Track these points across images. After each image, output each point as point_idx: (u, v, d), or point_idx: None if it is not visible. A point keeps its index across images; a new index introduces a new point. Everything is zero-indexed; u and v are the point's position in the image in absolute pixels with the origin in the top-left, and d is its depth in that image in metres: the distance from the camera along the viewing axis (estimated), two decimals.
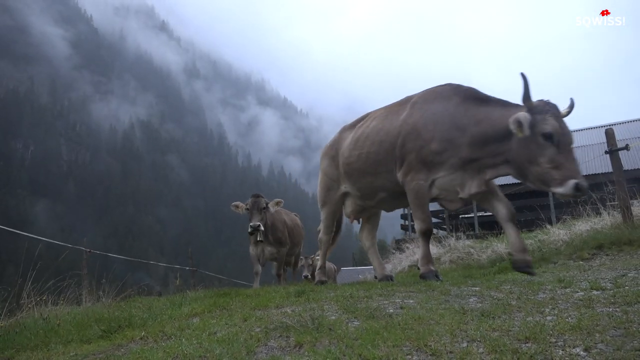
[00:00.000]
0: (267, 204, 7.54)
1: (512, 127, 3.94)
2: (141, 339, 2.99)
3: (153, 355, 2.49)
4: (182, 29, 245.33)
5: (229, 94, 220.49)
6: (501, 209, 4.58)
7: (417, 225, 4.80)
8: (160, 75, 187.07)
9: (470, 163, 4.42)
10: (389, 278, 5.50)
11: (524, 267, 4.26)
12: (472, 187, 4.47)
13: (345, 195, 5.73)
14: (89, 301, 5.98)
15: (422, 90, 5.07)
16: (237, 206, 7.62)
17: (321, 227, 6.11)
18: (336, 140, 5.88)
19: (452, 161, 4.45)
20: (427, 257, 4.78)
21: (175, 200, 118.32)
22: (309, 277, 9.74)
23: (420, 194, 4.61)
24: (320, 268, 6.12)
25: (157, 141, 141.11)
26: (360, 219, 6.06)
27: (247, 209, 7.45)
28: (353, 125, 5.73)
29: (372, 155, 5.02)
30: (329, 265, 11.27)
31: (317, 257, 12.43)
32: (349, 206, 5.81)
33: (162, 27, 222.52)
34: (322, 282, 5.84)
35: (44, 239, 7.41)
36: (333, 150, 5.84)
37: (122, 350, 2.79)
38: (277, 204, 7.69)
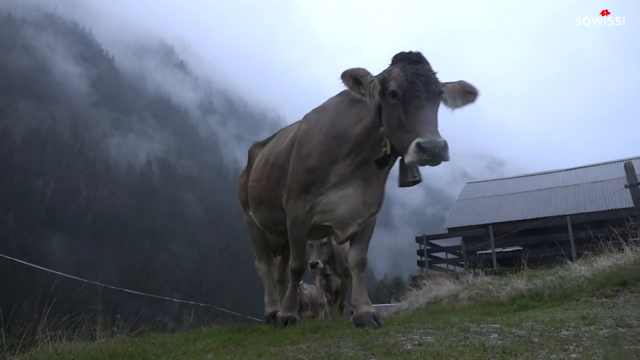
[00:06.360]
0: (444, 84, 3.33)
1: None
2: None
3: None
4: (200, 67, 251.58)
5: (243, 130, 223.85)
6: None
7: None
8: (178, 112, 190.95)
9: None
10: None
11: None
12: None
13: None
14: (103, 337, 5.94)
15: None
16: (358, 80, 3.33)
17: None
18: None
19: None
20: None
21: (191, 237, 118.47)
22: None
23: None
24: None
25: (173, 178, 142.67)
26: None
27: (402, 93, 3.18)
28: None
29: None
30: (312, 292, 10.53)
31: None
32: None
33: (181, 66, 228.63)
34: None
35: (59, 273, 7.45)
36: None
37: None
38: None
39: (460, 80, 3.41)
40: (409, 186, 3.63)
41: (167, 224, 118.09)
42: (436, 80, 3.26)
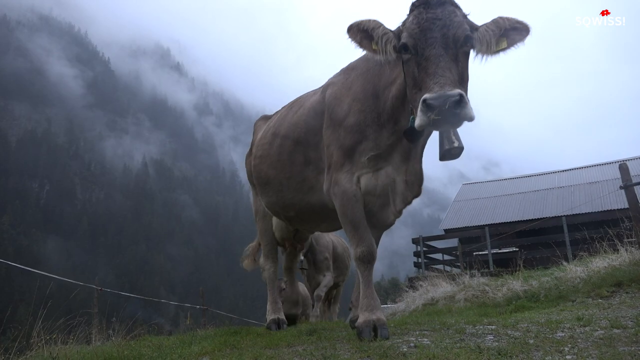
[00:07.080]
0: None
1: None
2: None
3: None
4: (196, 69, 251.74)
5: (239, 132, 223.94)
6: None
7: None
8: (174, 114, 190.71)
9: None
10: None
11: None
12: None
13: None
14: (98, 340, 5.92)
15: None
16: (368, 34, 2.81)
17: None
18: None
19: None
20: None
21: (187, 239, 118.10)
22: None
23: None
24: None
25: (169, 179, 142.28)
26: None
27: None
28: None
29: None
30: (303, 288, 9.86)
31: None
32: None
33: (177, 68, 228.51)
34: None
35: (55, 276, 7.42)
36: None
37: None
38: None
39: (497, 18, 2.70)
40: (449, 159, 2.94)
41: (163, 226, 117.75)
42: (460, 23, 2.56)
